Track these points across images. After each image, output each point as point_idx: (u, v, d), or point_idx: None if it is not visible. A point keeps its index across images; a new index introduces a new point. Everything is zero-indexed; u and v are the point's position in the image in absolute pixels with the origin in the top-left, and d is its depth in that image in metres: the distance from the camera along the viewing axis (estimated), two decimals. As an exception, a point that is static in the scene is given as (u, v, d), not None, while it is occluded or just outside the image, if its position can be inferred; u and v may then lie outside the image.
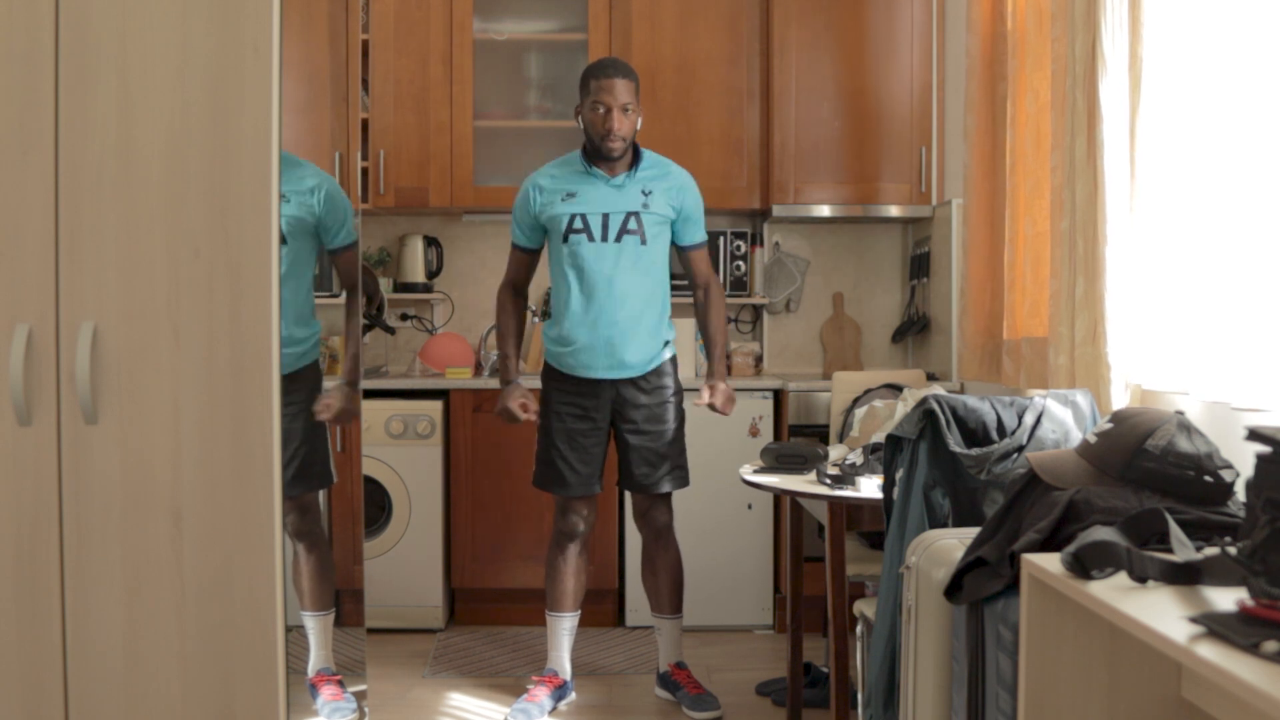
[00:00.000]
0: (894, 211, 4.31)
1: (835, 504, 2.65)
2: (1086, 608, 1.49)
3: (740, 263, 4.48)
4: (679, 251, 3.39)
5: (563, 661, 3.38)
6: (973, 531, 1.94)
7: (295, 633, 2.75)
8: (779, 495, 3.45)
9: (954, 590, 1.86)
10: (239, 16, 2.18)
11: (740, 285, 4.51)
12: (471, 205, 4.39)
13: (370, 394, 4.00)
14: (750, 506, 4.08)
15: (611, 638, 4.03)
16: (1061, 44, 2.64)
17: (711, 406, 3.29)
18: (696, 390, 3.96)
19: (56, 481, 2.20)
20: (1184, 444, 1.77)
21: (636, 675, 3.65)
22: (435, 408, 4.04)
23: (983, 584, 1.78)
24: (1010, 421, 2.22)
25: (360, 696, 2.88)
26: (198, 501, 2.21)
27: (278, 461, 2.21)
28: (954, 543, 1.97)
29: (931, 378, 3.97)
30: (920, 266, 4.40)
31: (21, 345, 2.17)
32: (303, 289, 2.73)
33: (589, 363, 3.23)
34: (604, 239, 3.19)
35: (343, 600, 2.94)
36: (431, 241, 4.51)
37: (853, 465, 2.68)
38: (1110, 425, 1.87)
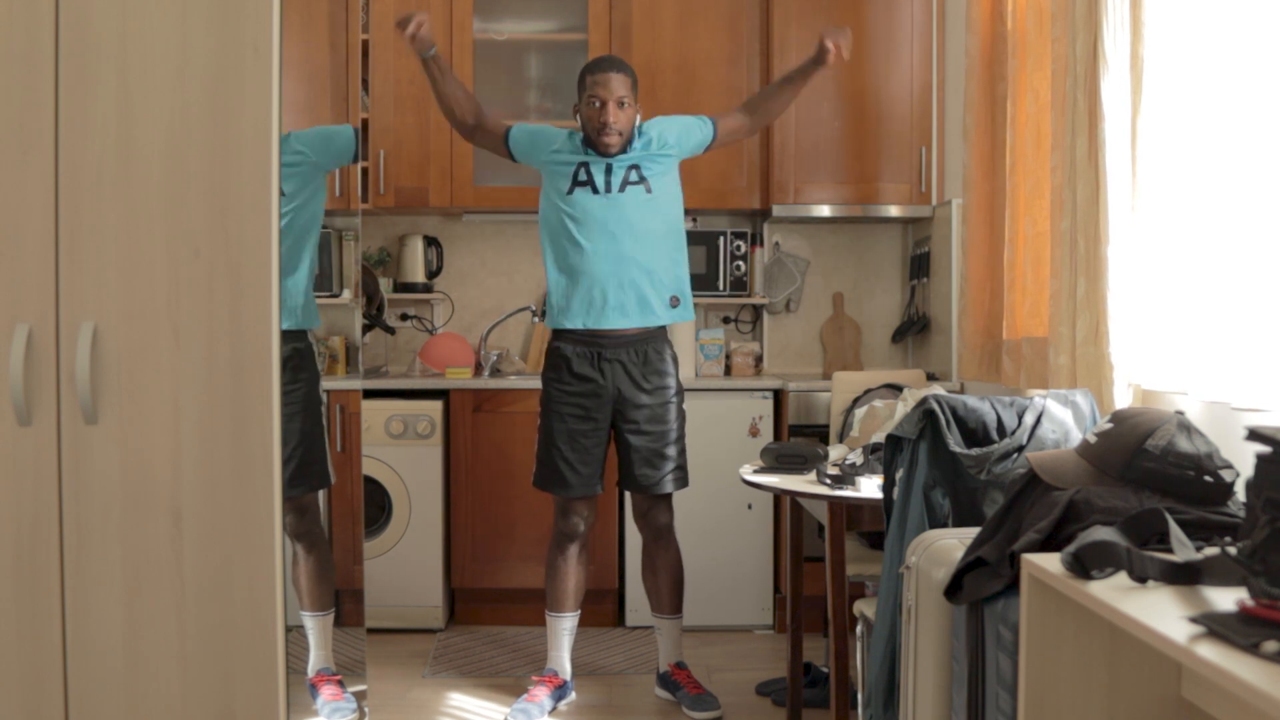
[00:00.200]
0: (894, 211, 4.31)
1: (835, 504, 2.65)
2: (1086, 608, 1.49)
3: (740, 263, 4.48)
4: (721, 137, 3.37)
5: (563, 661, 3.38)
6: (973, 531, 1.94)
7: (295, 633, 2.75)
8: (779, 495, 3.45)
9: (954, 590, 1.86)
10: (239, 16, 2.18)
11: (740, 285, 4.51)
12: (471, 205, 4.39)
13: (370, 394, 4.00)
14: (750, 506, 4.08)
15: (611, 638, 4.03)
16: (1062, 44, 2.64)
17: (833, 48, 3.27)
18: (697, 390, 3.98)
19: (56, 481, 2.20)
20: (1184, 444, 1.77)
21: (636, 675, 3.65)
22: (435, 408, 4.04)
23: (983, 584, 1.78)
24: (1010, 421, 2.22)
25: (360, 696, 2.88)
26: (198, 501, 2.21)
27: (278, 462, 2.20)
28: (954, 543, 1.97)
29: (931, 378, 3.97)
30: (920, 266, 4.40)
31: (21, 345, 2.17)
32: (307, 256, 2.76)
33: (596, 310, 3.20)
34: (608, 190, 3.20)
35: (343, 600, 2.94)
36: (431, 241, 4.51)
37: (853, 465, 2.68)
38: (1110, 425, 1.87)
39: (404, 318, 4.65)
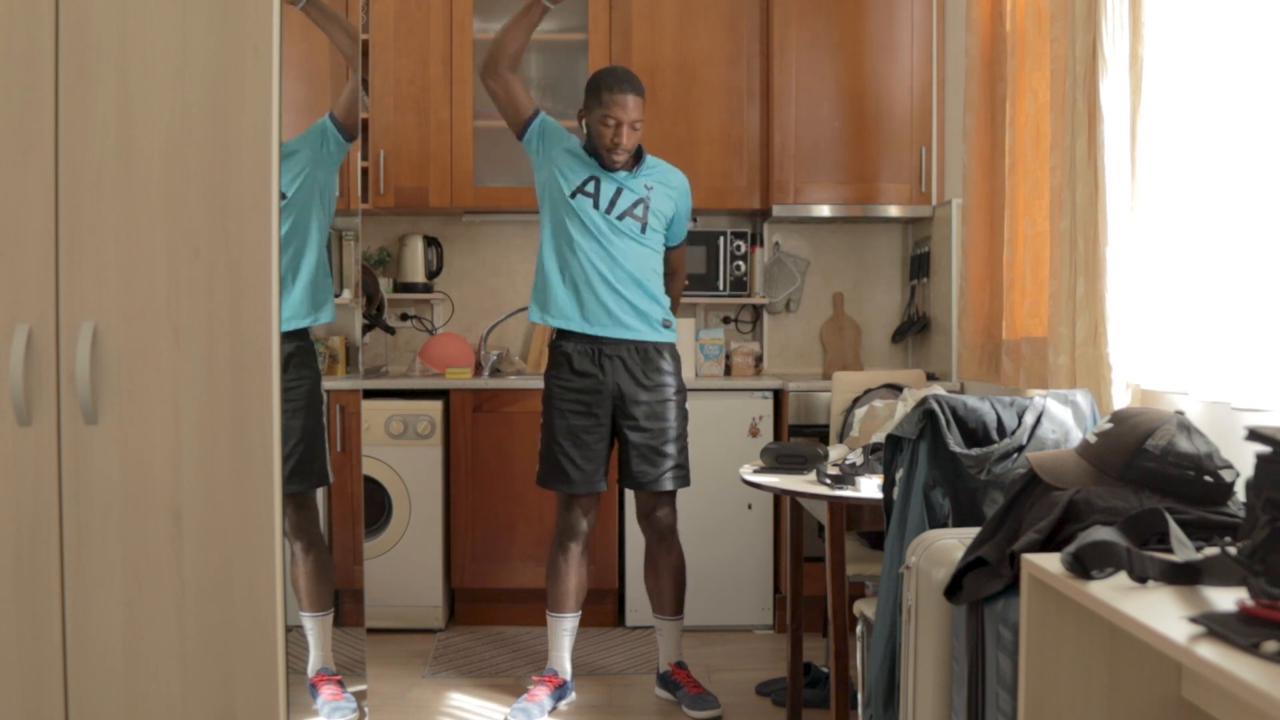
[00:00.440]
0: (894, 211, 4.32)
1: (835, 504, 2.65)
2: (1086, 608, 1.49)
3: (740, 263, 4.48)
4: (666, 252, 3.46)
5: (563, 661, 3.38)
6: (973, 531, 1.94)
7: (295, 633, 2.76)
8: (779, 495, 3.45)
9: (954, 590, 1.86)
10: (239, 16, 2.18)
11: (740, 285, 4.51)
12: (471, 205, 4.39)
13: (370, 394, 4.00)
14: (750, 506, 4.08)
15: (611, 638, 4.03)
16: (1061, 44, 2.64)
17: None
18: (697, 390, 3.98)
19: (56, 481, 2.20)
20: (1184, 444, 1.77)
21: (636, 675, 3.65)
22: (435, 408, 4.04)
23: (983, 584, 1.78)
24: (1010, 421, 2.22)
25: (360, 696, 2.88)
26: (198, 501, 2.21)
27: (278, 462, 2.20)
28: (954, 543, 1.97)
29: (931, 378, 3.97)
30: (920, 266, 4.40)
31: (21, 345, 2.17)
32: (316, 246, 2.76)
33: (586, 317, 3.24)
34: (608, 211, 3.23)
35: (343, 600, 2.94)
36: (431, 241, 4.51)
37: (853, 465, 2.68)
38: (1110, 425, 1.87)
39: (404, 318, 4.65)
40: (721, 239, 4.46)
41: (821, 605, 3.10)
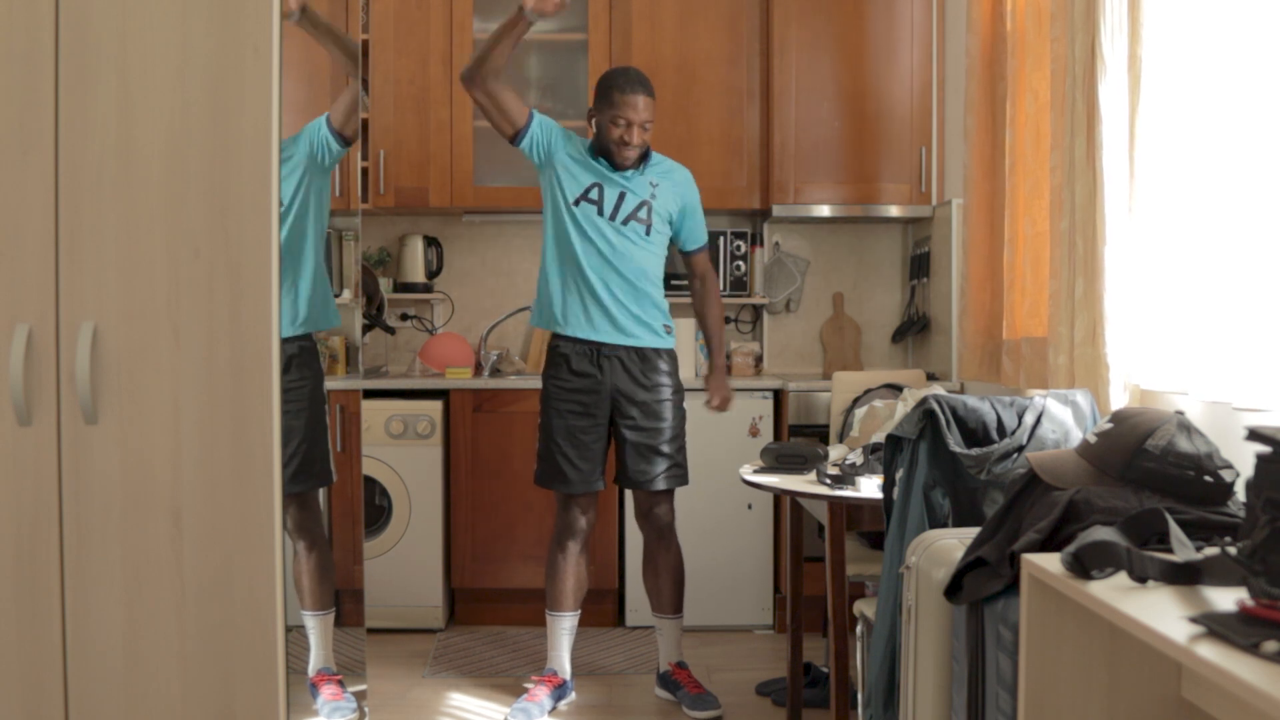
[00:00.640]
0: (894, 211, 4.32)
1: (835, 504, 2.65)
2: (1086, 608, 1.49)
3: (740, 263, 4.48)
4: (684, 256, 3.47)
5: (563, 661, 3.38)
6: (973, 531, 1.94)
7: (295, 633, 2.75)
8: (779, 495, 3.45)
9: (954, 590, 1.86)
10: (239, 16, 2.18)
11: (740, 285, 4.51)
12: (471, 205, 4.39)
13: (370, 394, 4.00)
14: (750, 506, 4.08)
15: (611, 638, 4.03)
16: (1061, 44, 2.64)
17: (715, 407, 3.42)
18: (697, 390, 3.98)
19: (56, 481, 2.20)
20: (1184, 444, 1.77)
21: (636, 675, 3.65)
22: (435, 408, 4.04)
23: (983, 584, 1.78)
24: (1010, 421, 2.22)
25: (360, 696, 2.88)
26: (198, 501, 2.20)
27: (278, 462, 2.20)
28: (954, 543, 1.97)
29: (931, 378, 3.97)
30: (920, 266, 4.40)
31: (21, 345, 2.17)
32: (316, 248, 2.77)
33: (591, 324, 3.25)
34: (612, 217, 3.23)
35: (343, 600, 2.94)
36: (431, 241, 4.51)
37: (853, 465, 2.68)
38: (1110, 425, 1.87)
39: (404, 318, 4.65)
40: (721, 239, 4.46)
41: (821, 605, 3.10)
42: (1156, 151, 2.41)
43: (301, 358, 2.70)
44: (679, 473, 3.34)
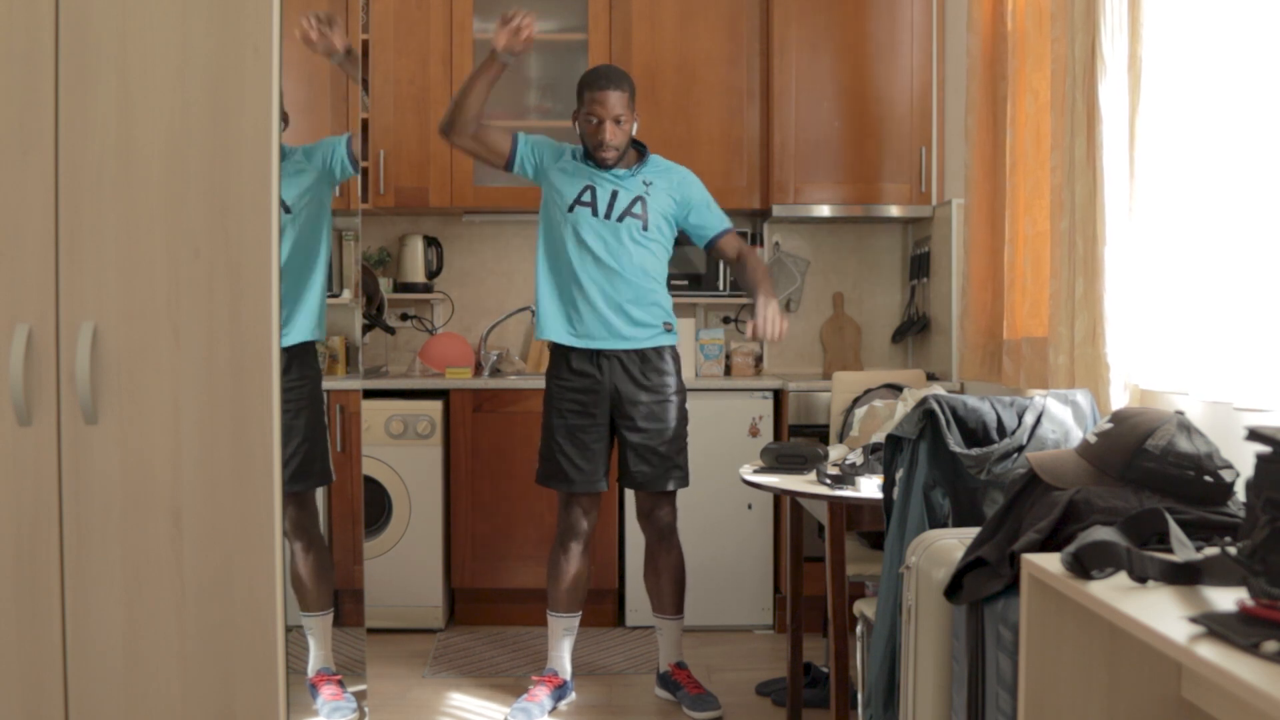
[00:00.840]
0: (894, 211, 4.32)
1: (835, 504, 2.65)
2: (1086, 608, 1.49)
3: (740, 263, 4.47)
4: (712, 248, 3.41)
5: (563, 661, 3.38)
6: (973, 531, 1.94)
7: (295, 633, 2.76)
8: (779, 495, 3.45)
9: (954, 590, 1.86)
10: (239, 16, 2.18)
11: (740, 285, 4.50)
12: (471, 205, 4.39)
13: (370, 394, 4.00)
14: (750, 506, 4.08)
15: (611, 638, 4.03)
16: (1061, 44, 2.64)
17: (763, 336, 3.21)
18: (697, 390, 3.98)
19: (56, 481, 2.20)
20: (1184, 444, 1.77)
21: (636, 675, 3.65)
22: (435, 408, 4.04)
23: (983, 584, 1.78)
24: (1010, 421, 2.22)
25: (360, 696, 2.88)
26: (198, 501, 2.21)
27: (278, 462, 2.20)
28: (954, 543, 1.97)
29: (931, 378, 3.97)
30: (920, 266, 4.40)
31: (21, 345, 2.17)
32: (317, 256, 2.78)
33: (591, 331, 3.25)
34: (607, 216, 3.23)
35: (343, 600, 2.94)
36: (431, 241, 4.51)
37: (853, 465, 2.68)
38: (1110, 425, 1.87)
39: (404, 318, 4.65)
40: (721, 239, 4.45)
41: (821, 605, 3.10)
42: (1157, 151, 2.41)
43: (301, 358, 2.70)
44: (681, 474, 3.34)
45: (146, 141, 2.18)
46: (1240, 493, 1.67)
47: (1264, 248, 2.03)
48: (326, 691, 2.83)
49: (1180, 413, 1.85)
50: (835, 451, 2.99)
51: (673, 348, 3.36)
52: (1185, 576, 1.42)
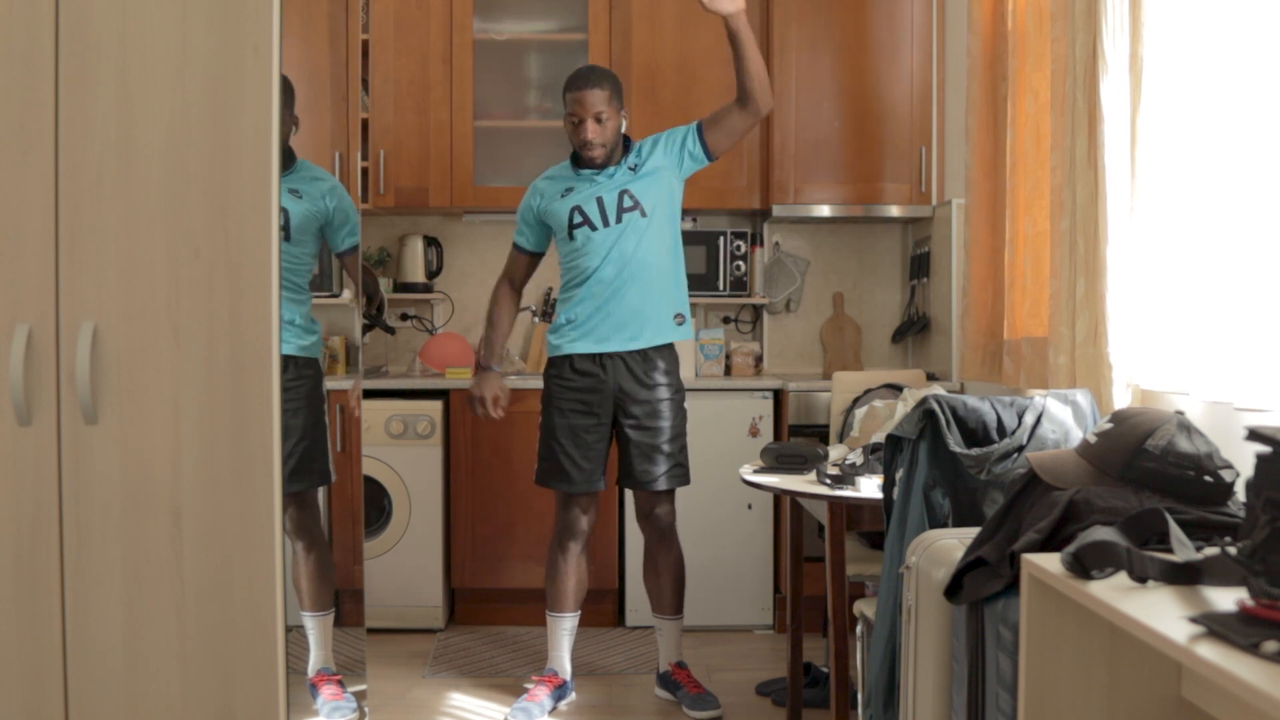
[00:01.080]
0: (894, 211, 4.31)
1: (835, 504, 2.65)
2: (1086, 608, 1.49)
3: (740, 263, 4.48)
4: (712, 132, 3.29)
5: (563, 661, 3.38)
6: (973, 531, 1.94)
7: (295, 633, 2.76)
8: (779, 495, 3.45)
9: (954, 590, 1.86)
10: (239, 16, 2.18)
11: (740, 285, 4.51)
12: (471, 205, 4.39)
13: (370, 394, 4.00)
14: (750, 506, 4.08)
15: (611, 638, 4.03)
16: (1062, 44, 2.64)
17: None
18: (697, 390, 3.98)
19: (56, 481, 2.20)
20: (1184, 444, 1.77)
21: (636, 675, 3.65)
22: (435, 408, 4.04)
23: (983, 584, 1.78)
24: (1010, 421, 2.22)
25: (360, 696, 2.88)
26: (198, 501, 2.20)
27: (278, 462, 2.20)
28: (954, 543, 1.97)
29: (931, 378, 3.97)
30: (920, 266, 4.40)
31: (21, 345, 2.17)
32: (303, 275, 2.78)
33: (604, 335, 3.25)
34: (605, 224, 3.23)
35: (343, 600, 2.94)
36: (431, 241, 4.51)
37: (853, 465, 2.68)
38: (1110, 425, 1.87)
39: (404, 318, 4.65)
40: (721, 239, 4.46)
41: (821, 605, 3.10)
42: (1158, 151, 2.40)
43: (301, 357, 2.70)
44: (680, 473, 3.34)
45: (146, 141, 2.18)
46: (1240, 493, 1.67)
47: (1265, 248, 2.03)
48: (326, 691, 2.83)
49: (1180, 413, 1.85)
50: (835, 451, 2.99)
51: (672, 346, 3.35)
52: (1185, 576, 1.42)
